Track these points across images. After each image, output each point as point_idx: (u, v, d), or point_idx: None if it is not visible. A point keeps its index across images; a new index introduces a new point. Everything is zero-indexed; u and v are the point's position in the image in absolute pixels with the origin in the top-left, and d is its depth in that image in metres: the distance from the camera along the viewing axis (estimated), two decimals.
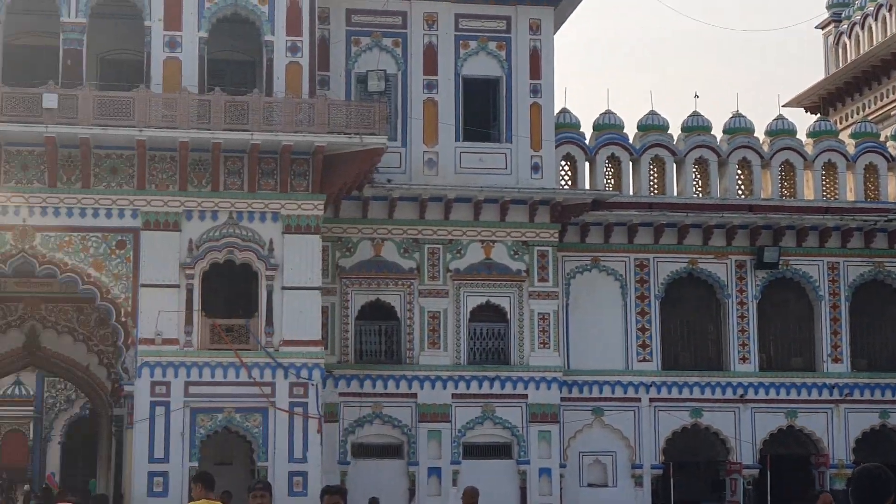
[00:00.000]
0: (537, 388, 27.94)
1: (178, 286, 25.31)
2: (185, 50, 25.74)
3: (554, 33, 29.16)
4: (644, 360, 29.06)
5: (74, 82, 25.09)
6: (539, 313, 28.26)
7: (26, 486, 43.61)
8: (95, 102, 24.49)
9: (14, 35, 26.57)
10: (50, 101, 24.16)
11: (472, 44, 28.62)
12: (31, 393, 47.31)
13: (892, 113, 35.16)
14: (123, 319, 25.08)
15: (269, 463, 25.08)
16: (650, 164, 29.86)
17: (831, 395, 29.68)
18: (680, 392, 29.09)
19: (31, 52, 27.21)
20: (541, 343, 28.17)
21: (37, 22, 26.58)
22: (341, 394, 27.24)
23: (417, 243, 28.06)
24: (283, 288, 25.55)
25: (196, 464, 25.06)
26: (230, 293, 27.18)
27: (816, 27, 40.04)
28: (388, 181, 27.49)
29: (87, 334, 28.27)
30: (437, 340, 27.79)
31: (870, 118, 34.54)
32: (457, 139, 28.29)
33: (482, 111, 28.73)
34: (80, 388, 33.35)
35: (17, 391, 47.02)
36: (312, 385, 25.40)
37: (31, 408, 47.48)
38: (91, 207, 25.22)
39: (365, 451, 27.47)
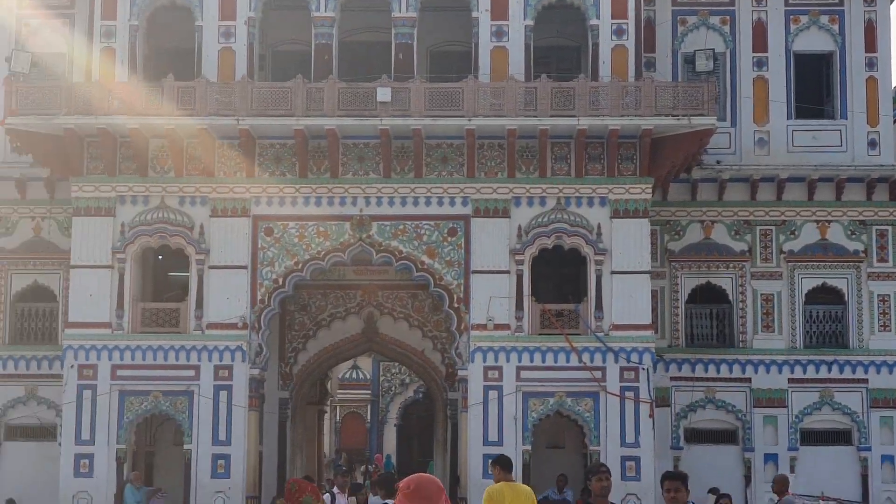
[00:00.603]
0: (878, 372, 26.89)
1: (508, 272, 25.64)
2: (511, 39, 26.03)
3: (890, 3, 27.93)
4: None
5: (406, 75, 25.78)
6: (879, 295, 27.18)
7: (364, 467, 45.26)
8: (426, 94, 25.08)
9: (348, 32, 27.51)
10: (384, 94, 24.91)
11: (803, 18, 27.76)
12: (368, 377, 49.00)
13: None
14: (456, 305, 25.61)
15: (601, 447, 25.09)
16: None
17: None
18: None
19: (364, 47, 28.13)
20: (881, 326, 27.10)
21: (369, 19, 27.43)
22: (672, 378, 26.96)
23: (749, 225, 27.46)
24: (613, 272, 25.50)
25: (529, 447, 25.36)
26: (559, 278, 27.37)
27: None
28: (718, 162, 27.01)
29: (422, 320, 29.00)
30: (772, 323, 27.13)
31: None
32: (788, 117, 27.52)
33: (814, 87, 27.84)
34: (416, 373, 34.26)
35: (354, 375, 48.78)
36: (643, 369, 25.26)
37: (368, 391, 49.17)
38: (423, 196, 25.86)
39: (698, 436, 27.11)
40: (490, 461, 15.34)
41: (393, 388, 48.93)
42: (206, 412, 25.43)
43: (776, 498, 19.28)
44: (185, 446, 25.62)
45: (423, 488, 5.72)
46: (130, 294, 25.97)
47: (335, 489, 19.42)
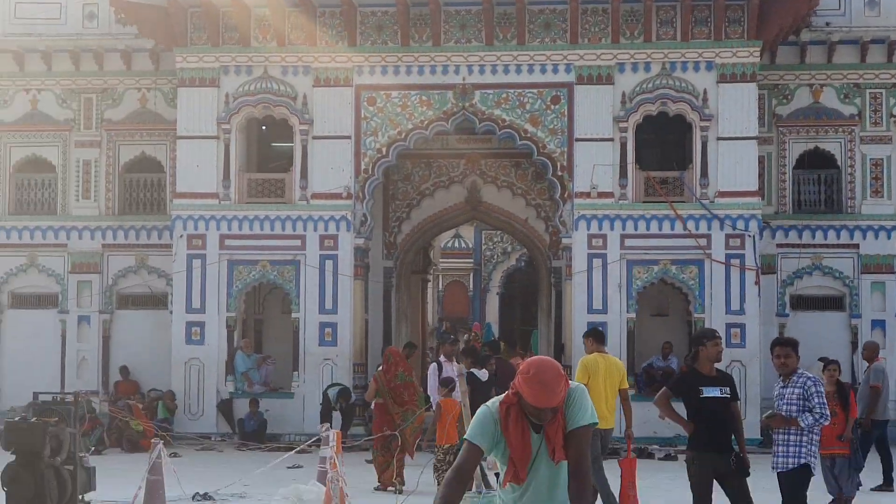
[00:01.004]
0: None
1: (611, 139, 25.43)
2: None
3: None
4: None
5: None
6: None
7: (466, 336, 45.64)
8: None
9: None
10: None
11: None
12: (470, 246, 49.18)
13: None
14: (560, 173, 25.50)
15: (706, 314, 25.03)
16: None
17: None
18: None
19: None
20: None
21: None
22: (779, 245, 26.69)
23: (858, 88, 26.83)
24: (718, 138, 25.18)
25: (633, 315, 25.38)
26: (663, 145, 27.08)
27: None
28: (827, 24, 26.32)
29: (525, 188, 28.96)
30: (881, 189, 26.64)
31: None
32: None
33: None
34: (519, 241, 34.33)
35: (456, 244, 48.98)
36: (749, 236, 25.04)
37: (471, 260, 49.39)
38: (526, 64, 25.63)
39: (804, 303, 26.89)
40: (583, 334, 15.45)
41: (495, 257, 49.06)
42: (313, 281, 25.77)
43: (866, 364, 19.14)
44: (293, 315, 26.04)
45: (541, 372, 5.73)
46: (236, 164, 26.22)
47: (442, 358, 19.59)
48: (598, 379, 14.31)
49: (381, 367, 18.84)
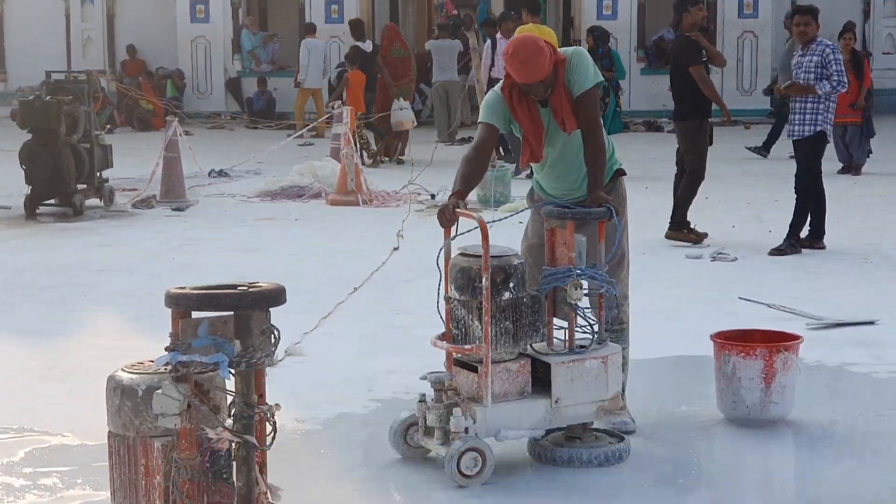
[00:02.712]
0: None
1: None
2: None
3: None
4: None
5: None
6: None
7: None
8: None
9: None
10: None
11: None
12: None
13: None
14: None
15: None
16: None
17: None
18: None
19: None
20: None
21: None
22: None
23: None
24: None
25: None
26: None
27: None
28: None
29: None
30: None
31: None
32: None
33: None
34: None
35: None
36: None
37: None
38: None
39: None
40: (522, 7, 15.48)
41: None
42: None
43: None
44: None
45: (519, 51, 5.74)
46: None
47: (499, 35, 18.44)
48: None
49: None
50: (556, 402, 5.51)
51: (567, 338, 5.68)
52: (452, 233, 5.68)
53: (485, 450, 5.34)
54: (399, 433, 5.70)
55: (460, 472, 5.30)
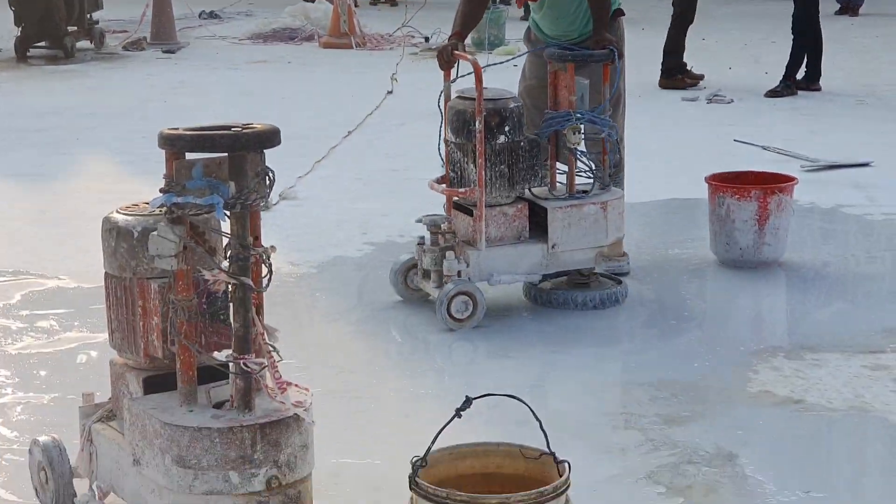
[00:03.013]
0: None
1: None
2: None
3: None
4: None
5: None
6: None
7: None
8: None
9: None
10: None
11: None
12: None
13: None
14: None
15: None
16: None
17: None
18: None
19: None
20: None
21: None
22: None
23: None
24: None
25: None
26: None
27: None
28: None
29: None
30: None
31: None
32: None
33: None
34: None
35: None
36: None
37: None
38: None
39: None
40: None
41: None
42: None
43: None
44: None
45: None
46: None
47: None
48: None
49: None
50: (552, 247, 5.49)
51: (568, 182, 5.66)
52: (452, 75, 5.62)
53: (475, 293, 5.34)
54: (400, 274, 5.71)
55: (450, 315, 5.32)
